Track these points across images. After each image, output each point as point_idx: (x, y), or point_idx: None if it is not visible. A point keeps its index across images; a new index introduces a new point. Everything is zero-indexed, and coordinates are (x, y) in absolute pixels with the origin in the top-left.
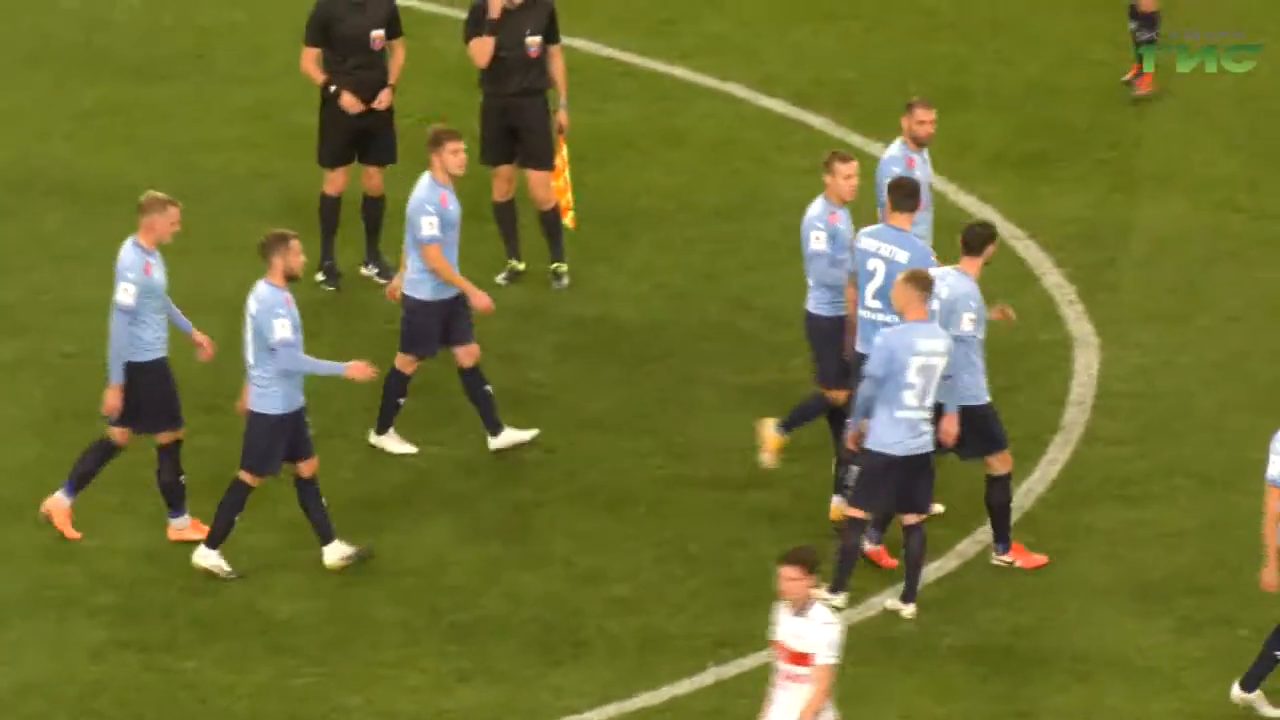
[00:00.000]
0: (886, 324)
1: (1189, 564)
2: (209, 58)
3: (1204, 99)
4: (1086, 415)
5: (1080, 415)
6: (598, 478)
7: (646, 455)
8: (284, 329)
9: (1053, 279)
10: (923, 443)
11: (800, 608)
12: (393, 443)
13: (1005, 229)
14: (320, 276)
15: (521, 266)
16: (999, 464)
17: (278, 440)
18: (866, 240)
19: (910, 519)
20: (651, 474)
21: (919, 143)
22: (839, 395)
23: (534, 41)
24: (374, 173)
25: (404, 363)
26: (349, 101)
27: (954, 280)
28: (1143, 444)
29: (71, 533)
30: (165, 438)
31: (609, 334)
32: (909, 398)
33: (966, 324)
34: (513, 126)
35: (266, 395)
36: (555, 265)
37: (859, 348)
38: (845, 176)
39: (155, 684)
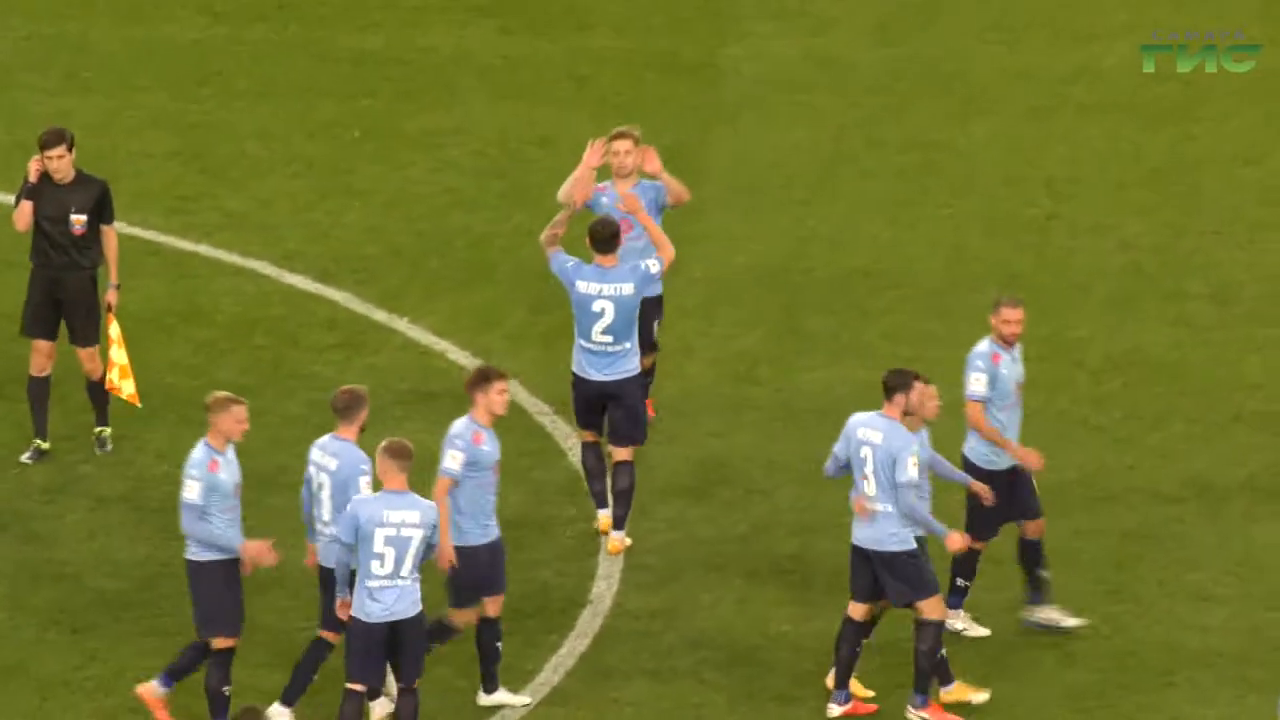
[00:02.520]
0: (616, 352)
1: None
2: None
3: (724, 277)
4: (614, 589)
5: (608, 589)
6: None
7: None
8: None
9: (578, 455)
10: (406, 607)
11: None
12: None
13: (531, 404)
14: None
15: (46, 446)
16: (930, 609)
17: None
18: (586, 285)
19: (405, 686)
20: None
21: (1006, 341)
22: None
23: (79, 220)
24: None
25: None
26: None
27: (883, 425)
28: (670, 618)
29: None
30: (220, 643)
31: (135, 512)
32: (376, 567)
33: (911, 470)
34: (58, 301)
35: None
36: (99, 430)
37: (576, 368)
38: (930, 398)
39: None
